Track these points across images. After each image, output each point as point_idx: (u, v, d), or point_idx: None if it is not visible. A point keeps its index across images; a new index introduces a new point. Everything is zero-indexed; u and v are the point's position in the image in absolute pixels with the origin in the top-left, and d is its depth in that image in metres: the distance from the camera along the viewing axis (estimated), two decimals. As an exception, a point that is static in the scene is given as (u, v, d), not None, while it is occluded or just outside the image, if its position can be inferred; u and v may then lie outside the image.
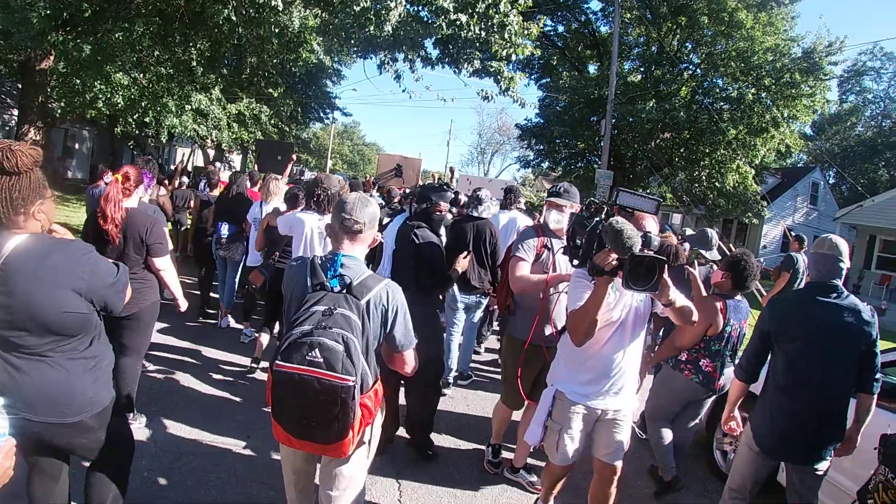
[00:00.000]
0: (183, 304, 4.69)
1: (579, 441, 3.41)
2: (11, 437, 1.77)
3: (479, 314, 6.50)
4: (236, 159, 38.78)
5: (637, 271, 2.65)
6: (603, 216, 3.19)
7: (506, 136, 64.13)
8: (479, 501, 4.33)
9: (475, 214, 6.10)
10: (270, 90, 20.05)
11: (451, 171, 11.07)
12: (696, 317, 3.24)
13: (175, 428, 4.73)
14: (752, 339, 3.52)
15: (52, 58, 12.24)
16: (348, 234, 2.64)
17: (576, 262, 3.32)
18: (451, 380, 6.35)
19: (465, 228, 6.00)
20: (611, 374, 3.32)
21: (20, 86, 15.34)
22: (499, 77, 10.89)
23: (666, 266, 2.68)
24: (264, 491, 3.99)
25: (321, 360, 2.29)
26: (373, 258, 4.63)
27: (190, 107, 14.10)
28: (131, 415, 4.59)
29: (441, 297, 6.21)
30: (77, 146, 29.78)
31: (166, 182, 10.69)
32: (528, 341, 4.09)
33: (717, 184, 24.13)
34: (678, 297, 3.05)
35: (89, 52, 10.93)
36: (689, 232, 8.89)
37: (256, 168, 9.41)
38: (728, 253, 5.12)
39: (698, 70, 24.90)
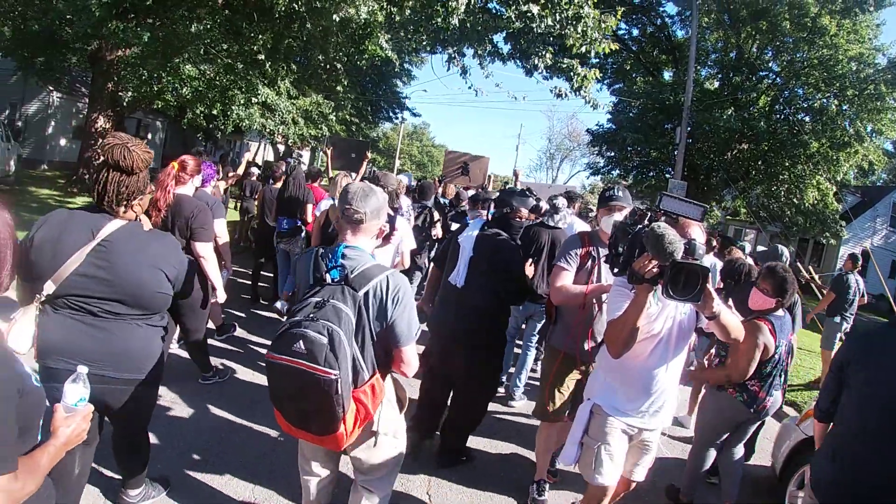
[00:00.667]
0: (221, 295, 4.90)
1: (619, 460, 3.25)
2: (90, 403, 1.92)
3: (540, 324, 6.22)
4: (306, 156, 39.17)
5: (678, 279, 2.55)
6: (646, 223, 3.05)
7: (576, 142, 63.59)
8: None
9: (551, 224, 5.82)
10: (336, 86, 19.92)
11: (516, 174, 10.39)
12: (742, 334, 3.07)
13: (216, 410, 4.86)
14: (829, 373, 3.00)
15: (125, 49, 12.37)
16: (350, 224, 2.64)
17: (616, 270, 3.18)
18: (515, 395, 6.17)
19: (539, 236, 5.70)
20: (651, 392, 3.16)
21: (91, 75, 15.65)
22: (572, 75, 10.37)
23: (709, 276, 2.56)
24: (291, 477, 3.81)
25: (304, 351, 2.31)
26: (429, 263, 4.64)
27: (257, 100, 13.96)
28: (209, 373, 5.32)
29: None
30: (150, 136, 30.27)
31: (230, 172, 10.76)
32: (562, 352, 3.96)
33: (794, 200, 23.00)
34: (723, 311, 2.88)
35: (148, 41, 11.00)
36: (759, 249, 8.58)
37: (330, 165, 9.38)
38: (804, 274, 4.62)
39: (778, 78, 23.81)
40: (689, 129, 20.28)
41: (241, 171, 10.24)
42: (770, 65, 24.70)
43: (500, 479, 4.56)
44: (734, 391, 4.17)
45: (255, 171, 12.76)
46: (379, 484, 2.93)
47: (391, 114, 34.50)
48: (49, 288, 2.51)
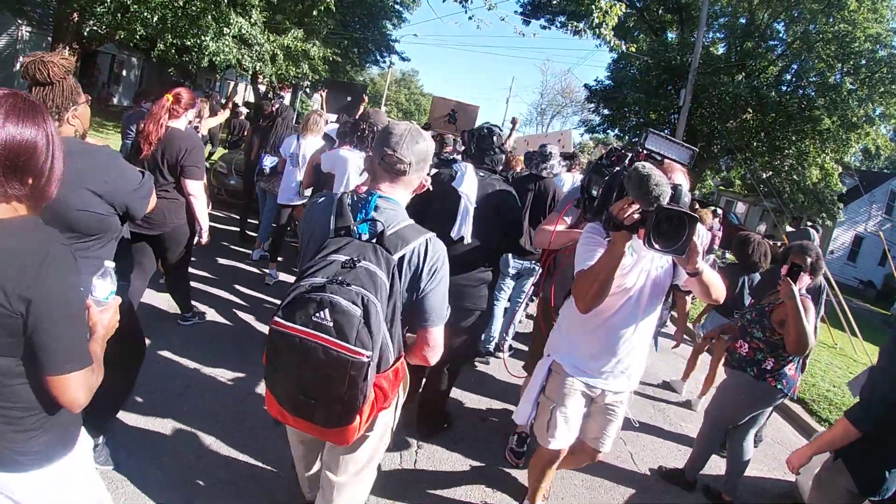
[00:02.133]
0: (205, 236, 4.84)
1: (575, 423, 3.10)
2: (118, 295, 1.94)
3: (530, 282, 5.91)
4: (288, 98, 38.15)
5: (662, 228, 2.30)
6: (626, 163, 2.87)
7: (568, 98, 62.39)
8: (500, 475, 4.13)
9: (535, 172, 5.46)
10: (318, 21, 18.71)
11: (514, 122, 9.26)
12: (723, 294, 2.88)
13: (185, 356, 4.77)
14: (886, 377, 2.80)
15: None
16: (389, 173, 2.23)
17: (589, 214, 3.07)
18: (491, 348, 6.01)
19: (525, 186, 5.30)
20: (617, 351, 2.96)
21: (55, 3, 14.61)
22: (593, 7, 8.98)
23: (697, 225, 2.34)
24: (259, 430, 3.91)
25: (331, 323, 1.86)
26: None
27: (229, 30, 12.77)
28: (189, 314, 5.33)
29: None
30: (124, 73, 29.45)
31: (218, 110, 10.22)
32: (555, 305, 3.67)
33: (795, 176, 22.08)
34: (706, 267, 2.68)
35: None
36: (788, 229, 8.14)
37: (325, 108, 8.80)
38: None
39: (789, 49, 22.48)
40: (693, 92, 19.20)
41: (226, 114, 9.49)
42: (780, 35, 23.56)
43: (484, 438, 4.56)
44: (774, 380, 4.03)
45: (243, 110, 12.12)
46: (354, 489, 2.51)
47: (379, 56, 33.12)
48: None
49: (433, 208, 3.86)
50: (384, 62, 35.33)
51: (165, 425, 3.77)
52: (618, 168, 2.83)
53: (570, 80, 65.03)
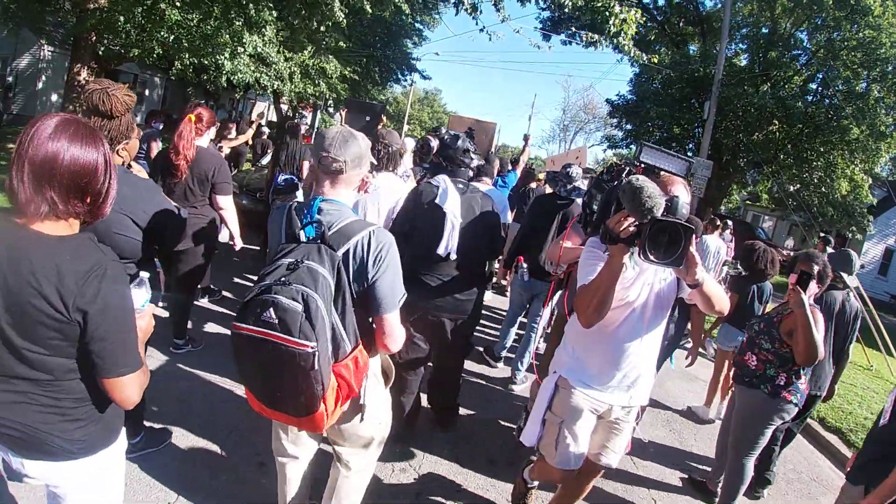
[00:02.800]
0: (238, 243, 5.12)
1: (584, 440, 3.06)
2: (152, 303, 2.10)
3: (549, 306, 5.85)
4: (311, 117, 38.33)
5: (658, 240, 2.32)
6: (624, 178, 2.91)
7: (591, 114, 62.25)
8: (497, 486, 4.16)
9: (563, 194, 5.58)
10: (336, 40, 18.56)
11: (526, 139, 9.54)
12: (727, 306, 2.85)
13: (198, 364, 4.97)
14: None
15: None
16: (327, 175, 2.39)
17: (589, 229, 3.09)
18: (516, 379, 6.01)
19: (554, 208, 5.50)
20: (622, 365, 2.94)
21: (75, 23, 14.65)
22: (608, 14, 8.54)
23: (694, 236, 2.33)
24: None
25: (276, 320, 2.04)
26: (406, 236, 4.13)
27: (243, 49, 12.63)
28: (182, 340, 5.19)
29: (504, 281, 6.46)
30: (147, 92, 29.69)
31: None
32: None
33: (824, 189, 21.41)
34: (707, 279, 2.65)
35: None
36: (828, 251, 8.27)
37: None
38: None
39: (814, 58, 21.91)
40: (717, 105, 18.68)
41: (250, 133, 9.66)
42: (804, 44, 22.99)
43: (491, 452, 4.61)
44: (790, 395, 4.00)
45: (265, 130, 11.95)
46: (362, 462, 2.76)
47: (400, 75, 33.09)
48: None
49: (418, 227, 4.05)
50: (406, 81, 35.40)
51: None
52: (616, 182, 2.84)
53: (593, 95, 65.06)
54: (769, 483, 4.96)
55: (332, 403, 2.24)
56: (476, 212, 4.20)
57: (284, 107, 28.52)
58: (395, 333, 2.42)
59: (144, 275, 2.08)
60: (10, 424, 1.77)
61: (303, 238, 2.27)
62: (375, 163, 3.64)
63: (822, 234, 10.49)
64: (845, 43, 19.91)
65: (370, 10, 10.88)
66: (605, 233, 2.48)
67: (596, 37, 9.06)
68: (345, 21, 11.94)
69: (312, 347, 2.04)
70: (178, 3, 11.37)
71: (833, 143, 19.85)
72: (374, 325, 2.44)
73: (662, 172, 2.94)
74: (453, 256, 4.05)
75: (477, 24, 8.89)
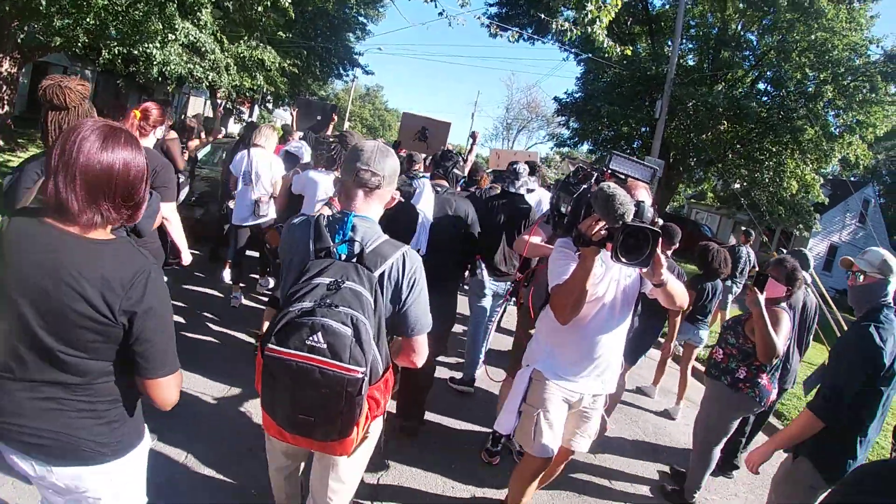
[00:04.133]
0: (186, 257, 4.56)
1: (559, 428, 3.22)
2: None
3: (500, 306, 5.96)
4: (250, 114, 37.27)
5: (628, 243, 2.50)
6: (592, 182, 3.13)
7: (534, 113, 62.21)
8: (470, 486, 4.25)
9: (511, 190, 5.60)
10: (279, 32, 17.77)
11: (474, 136, 9.29)
12: (686, 301, 3.13)
13: None
14: (856, 373, 3.06)
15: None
16: (364, 189, 2.29)
17: (558, 231, 3.30)
18: (475, 374, 5.96)
19: (496, 205, 5.54)
20: (594, 356, 3.15)
21: None
22: (584, 2, 7.94)
23: (659, 240, 2.51)
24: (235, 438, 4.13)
25: (324, 345, 1.95)
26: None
27: (174, 37, 11.73)
28: None
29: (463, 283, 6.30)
30: None
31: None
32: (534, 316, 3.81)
33: (772, 189, 21.43)
34: (670, 278, 2.90)
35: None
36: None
37: (295, 126, 8.98)
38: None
39: (764, 59, 21.87)
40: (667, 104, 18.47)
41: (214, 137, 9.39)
42: (754, 44, 22.93)
43: (456, 447, 4.70)
44: (746, 388, 4.23)
45: (221, 129, 11.23)
46: (354, 477, 2.60)
47: (342, 70, 32.36)
48: None
49: (393, 223, 3.86)
50: (347, 76, 34.91)
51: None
52: (584, 186, 2.98)
53: (536, 93, 64.94)
54: (737, 468, 5.35)
55: (363, 425, 2.21)
56: (449, 212, 4.46)
57: (220, 102, 27.63)
58: (424, 352, 2.39)
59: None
60: (42, 433, 1.77)
61: (338, 256, 2.18)
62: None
63: (743, 228, 11.67)
64: (797, 45, 19.88)
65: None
66: (579, 236, 2.64)
67: (566, 25, 8.42)
68: (290, 7, 11.25)
69: (363, 373, 1.98)
70: None
71: (784, 143, 19.85)
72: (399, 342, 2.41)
73: (629, 178, 3.09)
74: (423, 252, 4.18)
75: (436, 6, 8.14)
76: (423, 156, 8.52)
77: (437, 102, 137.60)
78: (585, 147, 27.58)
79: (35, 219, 1.72)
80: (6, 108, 13.46)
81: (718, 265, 6.06)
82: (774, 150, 20.49)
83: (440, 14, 8.20)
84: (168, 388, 1.87)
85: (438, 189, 4.57)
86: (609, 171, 3.08)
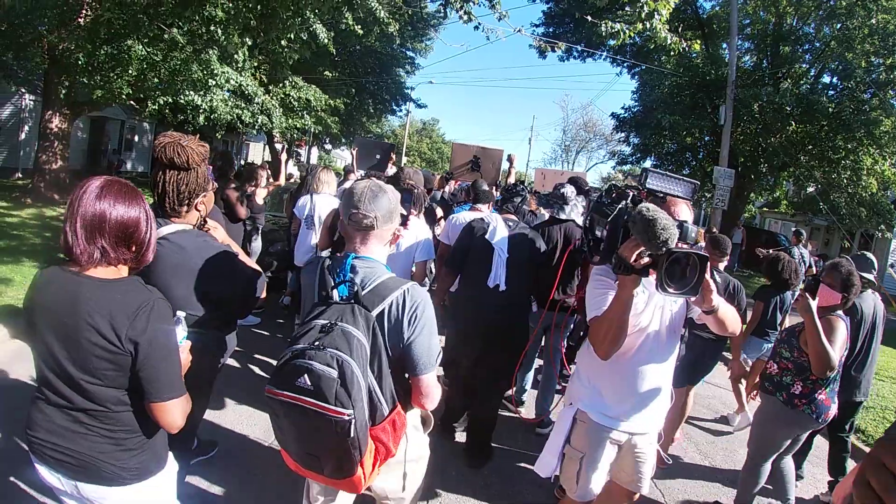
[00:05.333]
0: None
1: (604, 471, 3.04)
2: (189, 340, 2.26)
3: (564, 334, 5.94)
4: (308, 155, 37.83)
5: (673, 270, 2.33)
6: (629, 202, 2.87)
7: (591, 132, 61.28)
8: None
9: (562, 217, 5.42)
10: (325, 72, 17.76)
11: (510, 159, 9.20)
12: (738, 327, 2.95)
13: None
14: None
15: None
16: (358, 231, 2.35)
17: (596, 258, 3.12)
18: (524, 398, 6.05)
19: (550, 233, 5.31)
20: (640, 391, 2.93)
21: (45, 70, 14.02)
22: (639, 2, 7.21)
23: (707, 264, 2.35)
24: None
25: (311, 386, 2.01)
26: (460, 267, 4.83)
27: (214, 82, 11.60)
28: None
29: None
30: (136, 138, 29.82)
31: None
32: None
33: (851, 189, 19.79)
34: (721, 303, 2.69)
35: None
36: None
37: (355, 166, 9.13)
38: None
39: (827, 50, 20.26)
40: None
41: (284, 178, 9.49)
42: (811, 37, 21.42)
43: (526, 477, 4.67)
44: (802, 404, 4.03)
45: (294, 172, 11.29)
46: None
47: (395, 105, 32.61)
48: None
49: (471, 259, 4.57)
50: (401, 111, 35.23)
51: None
52: (619, 207, 2.80)
53: (592, 112, 64.26)
54: (801, 478, 5.21)
55: (370, 466, 2.21)
56: (524, 248, 4.57)
57: (280, 145, 27.98)
58: (433, 393, 2.36)
59: (181, 314, 2.20)
60: (69, 452, 2.00)
61: (336, 297, 2.22)
62: (406, 214, 3.31)
63: (793, 229, 11.73)
64: (858, 31, 18.49)
65: (357, 29, 10.20)
66: (619, 263, 2.46)
67: (617, 26, 7.78)
68: (330, 43, 11.05)
69: (349, 415, 2.00)
70: (143, 38, 10.73)
71: (858, 138, 18.41)
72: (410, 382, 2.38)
73: (668, 196, 2.93)
74: (502, 287, 4.40)
75: (471, 20, 7.61)
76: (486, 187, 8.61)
77: (492, 130, 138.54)
78: (649, 163, 26.58)
79: (59, 266, 2.02)
80: (60, 162, 13.65)
81: (788, 276, 5.86)
82: (849, 147, 19.04)
83: (476, 28, 7.68)
84: (173, 412, 2.03)
85: (510, 224, 4.70)
86: (644, 190, 2.93)
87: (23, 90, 20.15)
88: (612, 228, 2.78)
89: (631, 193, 2.92)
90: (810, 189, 22.49)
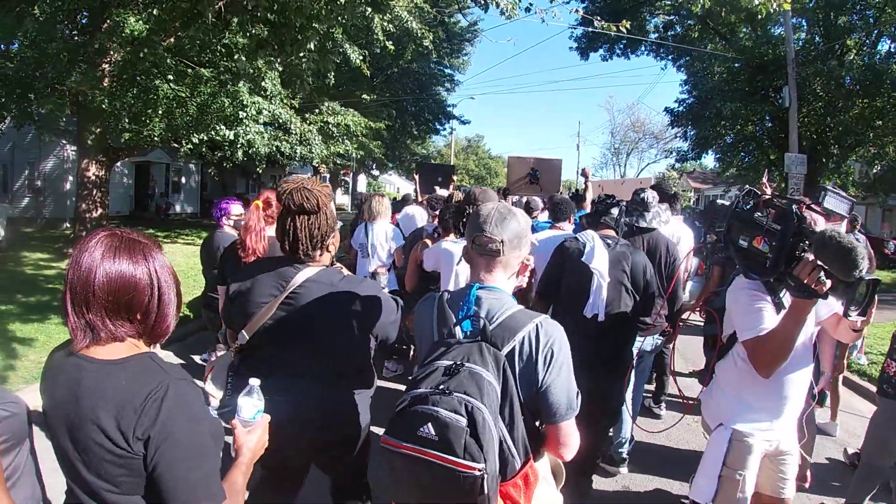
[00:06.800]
0: None
1: (752, 485, 2.96)
2: (267, 413, 1.94)
3: (649, 363, 5.47)
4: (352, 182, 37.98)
5: (860, 297, 2.31)
6: (795, 221, 2.64)
7: (640, 132, 60.03)
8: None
9: (643, 225, 4.89)
10: (363, 95, 17.43)
11: (584, 174, 8.72)
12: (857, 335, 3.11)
13: None
14: None
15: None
16: (483, 256, 2.10)
17: (753, 275, 2.79)
18: (625, 453, 5.03)
19: (634, 244, 4.70)
20: (789, 396, 2.90)
21: (77, 120, 13.90)
22: None
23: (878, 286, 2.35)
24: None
25: (435, 437, 1.74)
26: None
27: (245, 114, 11.28)
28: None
29: None
30: (184, 180, 30.14)
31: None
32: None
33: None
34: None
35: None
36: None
37: (419, 191, 8.97)
38: None
39: (883, 15, 18.69)
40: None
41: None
42: (863, 3, 19.91)
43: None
44: None
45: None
46: None
47: (438, 125, 32.46)
48: (242, 338, 2.59)
49: (564, 285, 4.01)
50: (445, 130, 35.25)
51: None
52: (788, 224, 2.60)
53: (639, 111, 63.07)
54: None
55: None
56: (627, 270, 3.97)
57: (325, 175, 27.85)
58: (571, 443, 2.06)
59: (254, 382, 1.89)
60: None
61: (459, 335, 1.97)
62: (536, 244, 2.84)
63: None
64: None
65: (389, 45, 10.00)
66: (799, 287, 2.42)
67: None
68: (363, 64, 10.66)
69: (480, 470, 1.70)
70: (168, 76, 10.54)
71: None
72: (542, 429, 2.09)
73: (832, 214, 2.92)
74: (601, 318, 3.84)
75: (503, 13, 7.06)
76: (541, 200, 8.38)
77: (538, 140, 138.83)
78: (711, 157, 25.43)
79: (65, 350, 1.66)
80: (100, 210, 13.50)
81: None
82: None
83: (527, 9, 7.17)
84: None
85: (609, 241, 4.04)
86: (814, 208, 2.76)
87: (64, 141, 20.47)
88: (781, 248, 2.63)
89: (795, 208, 2.69)
90: (876, 169, 21.14)
